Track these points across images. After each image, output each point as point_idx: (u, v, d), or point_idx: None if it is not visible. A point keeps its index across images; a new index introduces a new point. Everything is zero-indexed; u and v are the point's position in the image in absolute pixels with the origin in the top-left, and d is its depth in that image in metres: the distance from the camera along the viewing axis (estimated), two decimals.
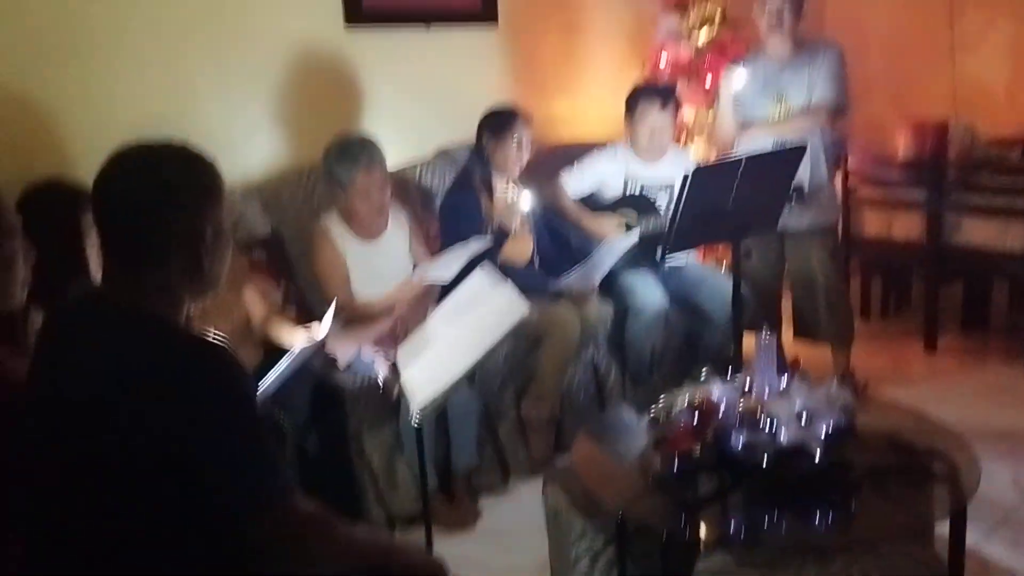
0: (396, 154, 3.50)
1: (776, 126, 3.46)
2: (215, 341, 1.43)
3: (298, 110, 3.37)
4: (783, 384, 2.41)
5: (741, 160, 2.87)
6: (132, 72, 2.96)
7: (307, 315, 3.02)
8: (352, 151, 2.93)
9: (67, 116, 2.84)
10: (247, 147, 3.28)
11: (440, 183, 3.58)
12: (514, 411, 3.15)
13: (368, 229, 3.07)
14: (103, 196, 1.44)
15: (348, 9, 3.42)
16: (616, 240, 3.29)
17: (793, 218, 3.39)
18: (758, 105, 3.51)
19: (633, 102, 3.53)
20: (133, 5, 2.93)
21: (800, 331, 3.83)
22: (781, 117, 3.48)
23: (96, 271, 2.21)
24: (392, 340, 2.86)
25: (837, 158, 3.72)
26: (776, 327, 3.71)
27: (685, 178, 2.68)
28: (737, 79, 3.43)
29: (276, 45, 3.29)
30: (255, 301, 2.83)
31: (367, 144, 2.97)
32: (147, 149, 1.47)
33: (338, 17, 3.42)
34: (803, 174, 3.36)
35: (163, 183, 1.43)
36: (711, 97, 3.96)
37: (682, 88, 3.88)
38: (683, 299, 3.53)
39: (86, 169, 2.52)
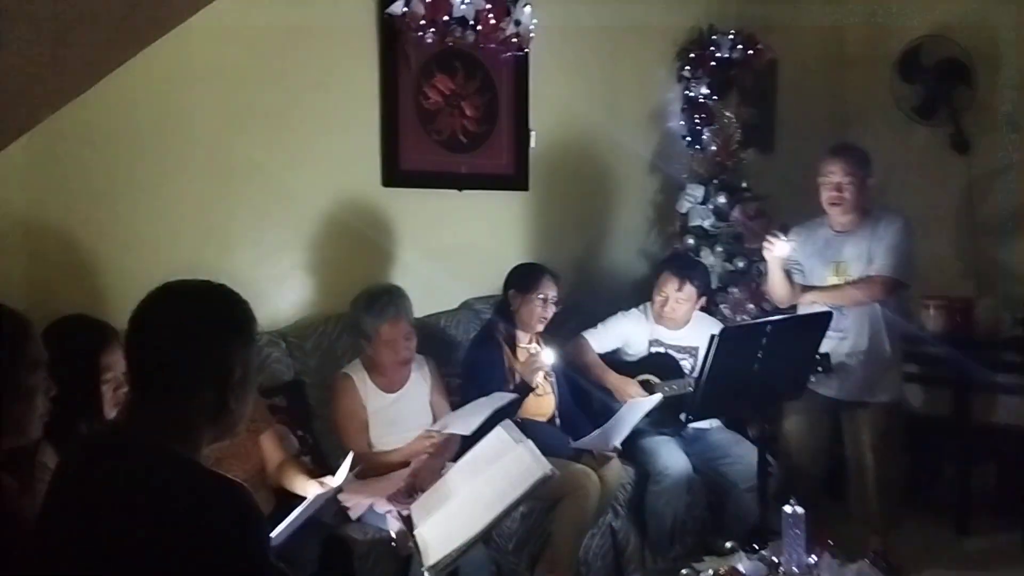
0: (422, 303, 3.54)
1: (831, 295, 3.38)
2: (232, 479, 1.41)
3: (329, 261, 3.45)
4: (812, 561, 2.31)
5: (767, 324, 2.87)
6: (171, 217, 3.06)
7: (322, 464, 2.97)
8: (380, 302, 2.97)
9: (103, 256, 2.92)
10: (277, 293, 3.34)
11: (464, 334, 3.60)
12: None
13: (391, 380, 3.07)
14: (139, 327, 1.47)
15: (386, 171, 3.57)
16: (639, 401, 3.25)
17: (847, 391, 3.34)
18: (815, 272, 3.45)
19: (658, 270, 3.61)
20: (180, 154, 3.06)
21: (843, 510, 3.65)
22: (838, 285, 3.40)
23: (109, 410, 2.20)
24: (407, 494, 2.79)
25: (900, 332, 3.52)
26: (811, 500, 3.55)
27: (712, 339, 2.68)
28: (781, 247, 3.40)
29: (315, 199, 3.41)
30: (272, 447, 2.80)
31: (395, 296, 3.02)
32: (186, 286, 1.52)
33: (376, 178, 3.56)
34: (858, 346, 3.34)
35: (199, 320, 1.47)
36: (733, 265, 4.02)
37: (705, 255, 3.95)
38: (707, 465, 3.45)
39: (115, 308, 2.60)
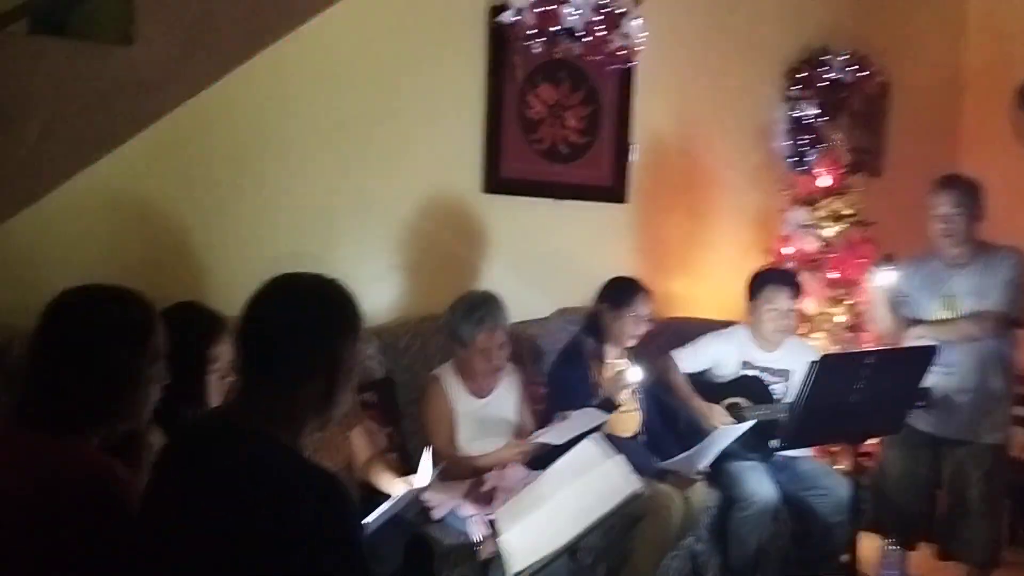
0: (514, 310, 3.53)
1: (940, 329, 3.25)
2: (331, 472, 1.44)
3: (427, 262, 3.49)
4: None
5: (870, 353, 2.78)
6: (279, 210, 3.16)
7: (408, 462, 3.01)
8: (479, 311, 2.99)
9: (213, 244, 3.03)
10: (374, 291, 3.39)
11: (553, 344, 3.58)
12: None
13: (480, 385, 3.09)
14: (253, 317, 1.51)
15: (487, 178, 3.61)
16: (729, 428, 3.17)
17: (951, 428, 3.21)
18: (923, 306, 3.33)
19: (758, 286, 3.49)
20: (292, 150, 3.16)
21: (939, 547, 3.49)
22: (949, 319, 3.28)
23: (214, 399, 2.26)
24: (489, 499, 2.80)
25: (1012, 371, 3.34)
26: (908, 539, 3.42)
27: (812, 365, 2.60)
28: (885, 278, 3.29)
29: (417, 201, 3.47)
30: (361, 442, 2.84)
31: (493, 305, 3.03)
32: (301, 279, 1.56)
33: (477, 184, 3.60)
34: (966, 383, 3.22)
35: (311, 311, 1.50)
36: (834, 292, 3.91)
37: (806, 279, 3.85)
38: (795, 495, 3.34)
39: (222, 294, 2.68)
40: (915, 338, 3.29)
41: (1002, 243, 3.35)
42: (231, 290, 2.77)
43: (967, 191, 3.28)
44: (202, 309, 2.46)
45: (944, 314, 3.28)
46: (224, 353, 2.24)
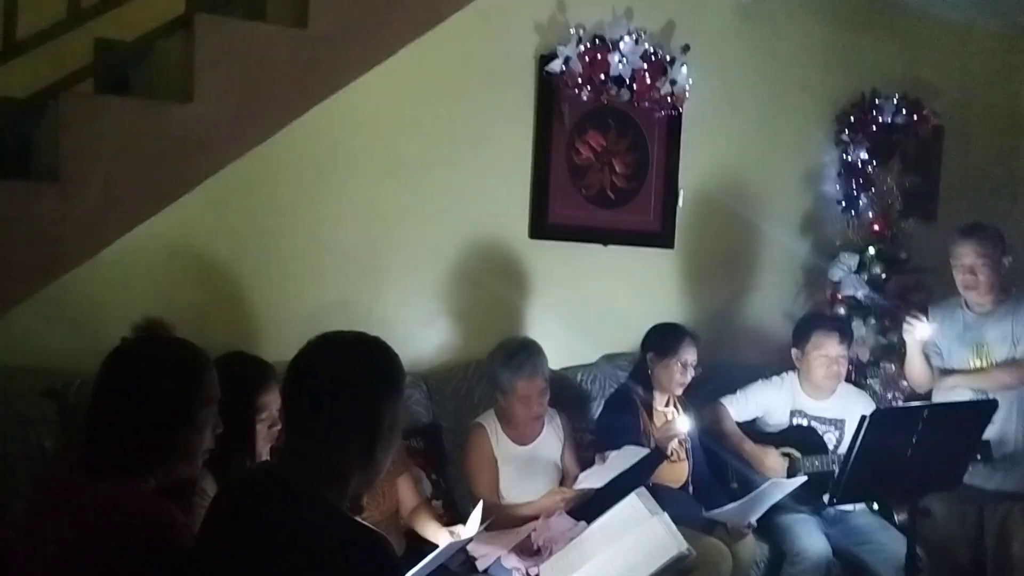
0: (560, 355, 3.56)
1: (976, 378, 3.22)
2: (375, 529, 1.46)
3: (473, 307, 3.52)
4: None
5: (925, 408, 2.73)
6: (328, 258, 3.21)
7: (453, 510, 3.01)
8: (517, 358, 2.99)
9: (264, 292, 3.09)
10: (421, 336, 3.43)
11: (599, 390, 3.58)
12: None
13: (523, 432, 3.08)
14: (298, 375, 1.54)
15: (534, 224, 3.63)
16: (783, 482, 3.10)
17: (995, 480, 3.13)
18: (955, 354, 3.30)
19: (806, 332, 3.44)
20: (340, 199, 3.22)
21: None
22: (982, 368, 3.25)
23: (263, 446, 2.30)
24: (534, 552, 2.78)
25: None
26: None
27: (863, 420, 2.55)
28: (921, 329, 3.26)
29: (464, 247, 3.50)
30: (408, 490, 2.85)
31: (532, 351, 3.03)
32: (345, 338, 1.59)
33: (524, 229, 3.62)
34: (1007, 432, 3.14)
35: (354, 372, 1.53)
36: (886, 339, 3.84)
37: (856, 327, 3.79)
38: (848, 551, 3.27)
39: (273, 342, 2.74)
40: (949, 388, 3.26)
41: None
42: (282, 337, 2.85)
43: (990, 239, 3.26)
44: (251, 358, 2.51)
45: (976, 363, 3.25)
46: (272, 402, 2.29)
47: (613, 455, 2.95)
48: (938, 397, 3.31)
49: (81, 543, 1.58)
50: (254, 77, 2.56)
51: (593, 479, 2.90)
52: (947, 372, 3.32)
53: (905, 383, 3.72)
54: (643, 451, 2.96)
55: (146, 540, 1.58)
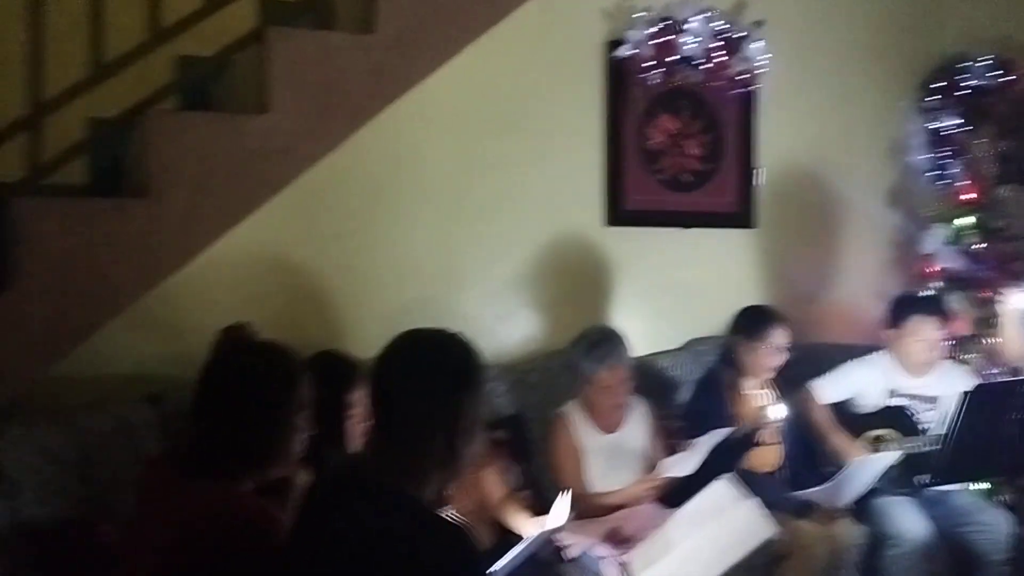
0: (643, 342, 3.53)
1: None
2: (458, 524, 1.48)
3: (553, 298, 3.52)
4: None
5: None
6: (408, 256, 3.27)
7: (541, 499, 3.03)
8: (599, 347, 2.99)
9: (347, 292, 3.16)
10: (502, 329, 3.45)
11: (686, 375, 3.54)
12: None
13: (608, 420, 3.08)
14: (378, 375, 1.58)
15: (610, 211, 3.61)
16: (870, 458, 3.02)
17: None
18: None
19: (902, 315, 3.33)
20: (417, 198, 3.27)
21: None
22: None
23: (353, 441, 2.37)
24: (623, 539, 2.78)
25: None
26: None
27: (963, 396, 2.47)
28: (1018, 300, 3.14)
29: (540, 239, 3.50)
30: (494, 482, 2.88)
31: (613, 340, 3.02)
32: (425, 335, 1.62)
33: (598, 218, 3.61)
34: None
35: (431, 369, 1.56)
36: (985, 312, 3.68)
37: (953, 301, 3.65)
38: (950, 532, 3.15)
39: (357, 340, 2.81)
40: None
41: None
42: (366, 336, 2.93)
43: None
44: (340, 357, 2.58)
45: None
46: (361, 399, 2.35)
47: (699, 440, 2.92)
48: None
49: (182, 543, 1.65)
50: (326, 85, 2.63)
51: (679, 466, 2.88)
52: None
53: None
54: (726, 431, 2.91)
55: (244, 538, 1.65)
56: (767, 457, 3.22)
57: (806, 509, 3.02)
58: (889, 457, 3.01)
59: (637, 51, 3.47)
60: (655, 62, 3.50)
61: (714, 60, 3.59)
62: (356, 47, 2.71)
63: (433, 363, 1.57)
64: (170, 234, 2.66)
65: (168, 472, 1.82)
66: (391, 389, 1.56)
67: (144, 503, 1.86)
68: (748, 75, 3.67)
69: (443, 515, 1.54)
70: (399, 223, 3.24)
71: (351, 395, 2.39)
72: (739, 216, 3.85)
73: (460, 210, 3.35)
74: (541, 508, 2.84)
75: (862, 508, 3.11)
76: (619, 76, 3.55)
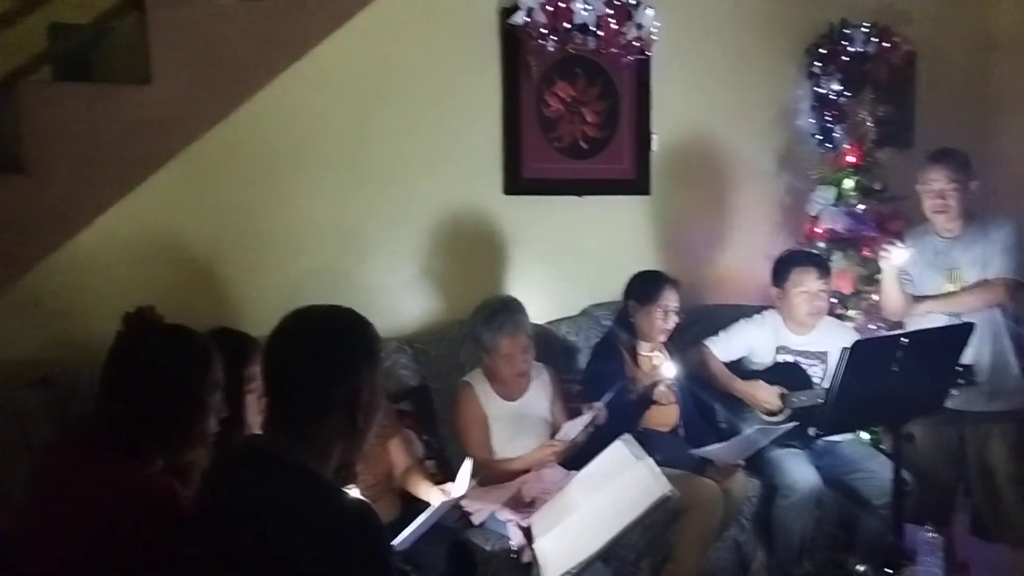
0: (542, 310, 3.59)
1: (948, 302, 3.27)
2: (360, 500, 1.49)
3: (455, 268, 3.53)
4: None
5: (904, 336, 2.76)
6: (307, 227, 3.22)
7: (447, 469, 3.05)
8: (498, 317, 3.01)
9: (244, 266, 3.10)
10: (405, 299, 3.45)
11: (585, 341, 3.61)
12: None
13: (511, 388, 3.12)
14: (274, 355, 1.56)
15: (508, 180, 3.62)
16: (769, 428, 3.14)
17: (972, 402, 3.18)
18: (928, 280, 3.35)
19: (785, 270, 3.46)
20: (314, 168, 3.21)
21: (976, 528, 3.47)
22: (954, 292, 3.29)
23: (254, 417, 2.34)
24: (527, 504, 2.83)
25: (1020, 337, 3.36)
26: (947, 522, 3.40)
27: (844, 352, 2.59)
28: (898, 256, 3.30)
29: (441, 208, 3.50)
30: (399, 452, 2.89)
31: (513, 310, 3.05)
32: (317, 312, 1.60)
33: (498, 187, 3.61)
34: (982, 354, 3.19)
35: (329, 345, 1.54)
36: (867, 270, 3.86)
37: (837, 259, 3.81)
38: (838, 480, 3.33)
39: (255, 316, 2.75)
40: (923, 314, 3.30)
41: (994, 212, 3.38)
42: (263, 311, 2.81)
43: (959, 164, 3.29)
44: (232, 332, 2.54)
45: (949, 287, 3.30)
46: (258, 373, 2.31)
47: (596, 405, 2.98)
48: (912, 324, 3.35)
49: (88, 523, 1.62)
50: (211, 53, 2.53)
51: (571, 429, 2.94)
52: (920, 298, 3.36)
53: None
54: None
55: (151, 517, 1.63)
56: (665, 416, 3.32)
57: (703, 465, 3.13)
58: (787, 426, 3.12)
59: (531, 17, 3.47)
60: (550, 29, 3.51)
61: (608, 27, 3.62)
62: (242, 13, 2.62)
63: (328, 339, 1.56)
64: (50, 211, 2.54)
65: (74, 454, 1.79)
66: (287, 367, 1.55)
67: (47, 486, 1.81)
68: (641, 42, 3.73)
69: (344, 492, 1.53)
70: (295, 194, 3.18)
71: (248, 369, 2.35)
72: (635, 183, 3.92)
73: (358, 180, 3.31)
74: (446, 477, 2.87)
75: (756, 462, 3.24)
76: (514, 43, 3.54)
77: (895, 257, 3.31)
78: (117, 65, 2.74)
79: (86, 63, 2.86)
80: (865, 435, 3.60)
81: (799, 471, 3.22)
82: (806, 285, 3.40)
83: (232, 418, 2.29)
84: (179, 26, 2.49)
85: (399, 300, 3.44)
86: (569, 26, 3.56)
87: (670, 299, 3.29)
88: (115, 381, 1.81)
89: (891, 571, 2.47)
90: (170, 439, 1.78)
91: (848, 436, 3.48)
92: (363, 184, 3.32)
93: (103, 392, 1.83)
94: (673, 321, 3.30)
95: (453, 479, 2.72)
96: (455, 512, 2.87)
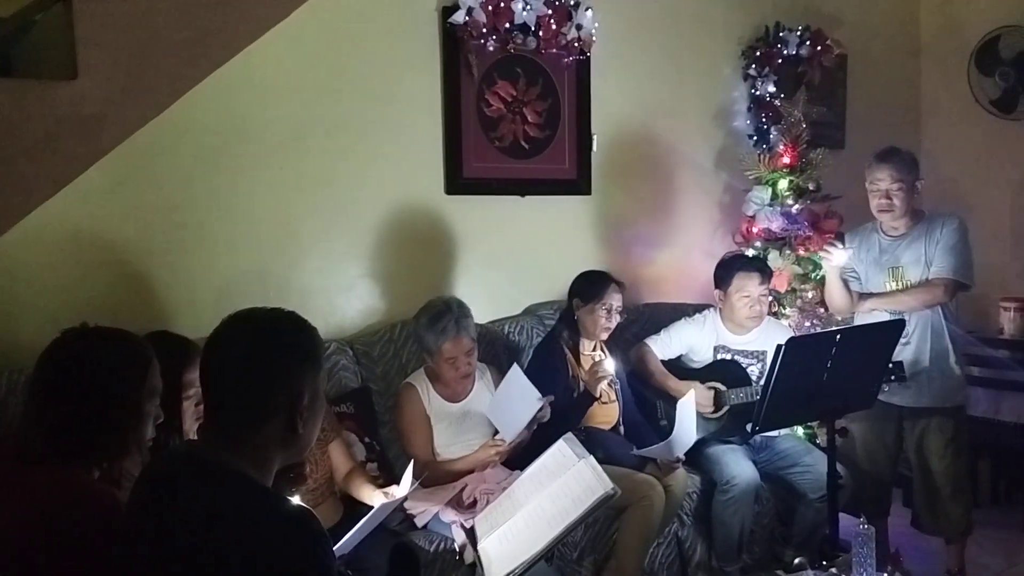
0: (486, 309, 3.58)
1: (891, 300, 3.34)
2: (299, 507, 1.46)
3: (395, 268, 3.50)
4: None
5: (837, 333, 2.82)
6: (244, 229, 3.15)
7: (389, 471, 3.03)
8: (442, 321, 2.98)
9: (179, 268, 3.02)
10: (344, 301, 3.41)
11: (527, 340, 3.61)
12: None
13: (454, 390, 3.10)
14: (212, 359, 1.52)
15: (449, 179, 3.60)
16: (686, 400, 3.19)
17: (910, 397, 3.26)
18: (872, 278, 3.42)
19: (728, 274, 3.50)
20: (251, 168, 3.15)
21: (912, 519, 3.58)
22: (898, 290, 3.37)
23: (191, 424, 2.29)
24: (470, 504, 2.82)
25: (959, 335, 3.45)
26: (882, 513, 3.49)
27: (779, 349, 2.63)
28: (839, 256, 3.36)
29: (380, 208, 3.46)
30: (340, 456, 2.86)
31: (456, 313, 3.02)
32: (256, 316, 1.56)
33: (439, 186, 3.59)
34: (922, 351, 3.27)
35: (268, 349, 1.51)
36: (803, 268, 3.94)
37: (773, 258, 3.88)
38: (775, 475, 3.40)
39: (190, 322, 2.69)
40: (867, 312, 3.37)
41: (939, 211, 3.45)
42: (197, 314, 2.82)
43: (905, 164, 3.36)
44: (171, 336, 2.48)
45: (892, 285, 3.37)
46: (197, 379, 2.26)
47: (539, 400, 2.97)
48: (858, 320, 3.42)
49: (26, 535, 1.58)
50: (141, 48, 2.45)
51: (503, 425, 2.94)
52: (865, 296, 3.43)
53: (822, 310, 3.84)
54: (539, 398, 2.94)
55: (87, 525, 1.59)
56: (606, 415, 3.34)
57: (644, 462, 3.16)
58: (722, 413, 3.16)
59: (471, 17, 3.46)
60: (490, 28, 3.51)
61: (547, 27, 3.63)
62: (174, 7, 2.54)
63: (269, 343, 1.52)
64: None
65: (6, 463, 1.73)
66: (226, 371, 1.51)
67: None
68: (581, 43, 3.75)
69: (284, 499, 1.50)
70: (231, 194, 3.12)
71: (187, 376, 2.30)
72: (576, 183, 3.94)
73: (297, 179, 3.26)
74: (390, 479, 2.85)
75: (695, 457, 3.29)
76: (455, 42, 3.53)
77: (836, 258, 3.37)
78: (41, 60, 2.63)
79: (7, 58, 2.74)
80: (801, 431, 3.67)
81: (737, 466, 3.27)
82: (748, 290, 3.45)
83: (169, 425, 2.26)
84: (107, 19, 2.40)
85: (340, 300, 3.39)
86: (509, 26, 3.56)
87: (614, 298, 3.31)
88: (48, 387, 1.75)
89: (826, 562, 2.52)
90: (107, 446, 1.73)
91: (784, 432, 3.55)
92: (301, 184, 3.27)
93: (34, 399, 1.77)
94: (616, 320, 3.33)
95: (396, 481, 2.70)
96: (398, 514, 2.85)
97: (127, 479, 2.02)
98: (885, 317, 3.29)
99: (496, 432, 3.04)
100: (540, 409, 2.89)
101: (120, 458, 1.77)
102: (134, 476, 2.01)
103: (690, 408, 3.11)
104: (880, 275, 3.40)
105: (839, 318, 3.65)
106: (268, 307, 1.59)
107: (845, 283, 3.46)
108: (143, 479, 1.59)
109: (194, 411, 2.29)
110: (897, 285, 3.36)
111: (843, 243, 3.41)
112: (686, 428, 3.12)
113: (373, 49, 3.39)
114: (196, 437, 2.23)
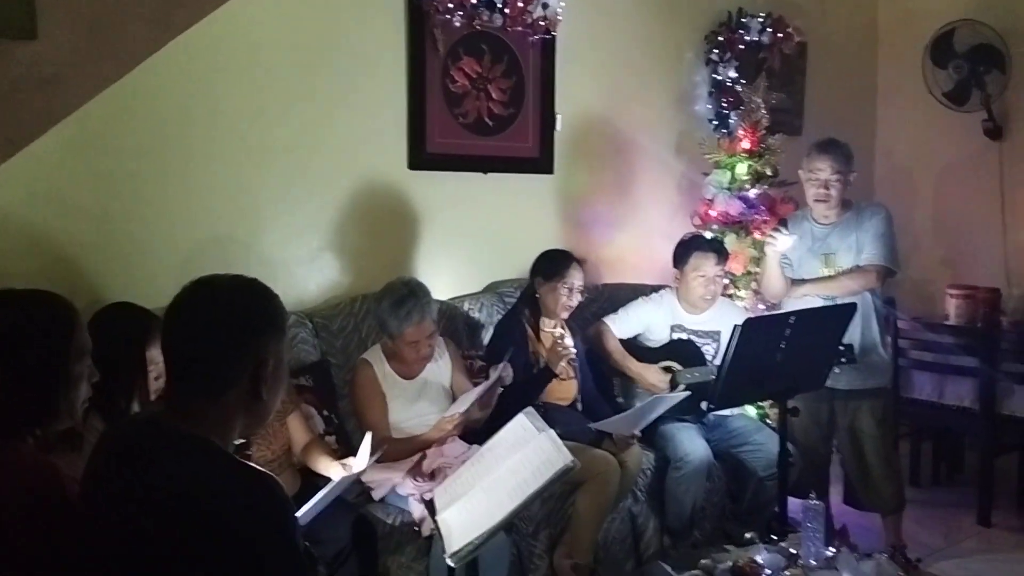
0: (447, 285, 3.60)
1: (824, 286, 3.45)
2: (263, 472, 1.46)
3: (356, 242, 3.49)
4: (830, 554, 2.34)
5: (791, 315, 2.89)
6: (204, 198, 3.11)
7: (347, 444, 3.03)
8: (404, 306, 2.95)
9: (138, 237, 2.98)
10: (304, 274, 3.39)
11: (488, 317, 3.63)
12: (547, 559, 3.07)
13: (410, 368, 3.10)
14: (173, 326, 1.51)
15: (413, 154, 3.59)
16: (664, 397, 3.23)
17: (842, 379, 3.36)
18: (806, 265, 3.52)
19: (686, 253, 3.56)
20: (212, 137, 3.11)
21: (848, 496, 3.71)
22: (830, 276, 3.47)
23: (154, 395, 2.27)
24: (428, 477, 2.84)
25: (886, 320, 3.65)
26: (824, 491, 3.60)
27: (735, 329, 2.69)
28: (783, 242, 3.44)
29: (343, 182, 3.44)
30: (299, 428, 2.86)
31: (419, 297, 2.99)
32: (219, 281, 1.54)
33: (403, 161, 3.58)
34: (853, 335, 3.36)
35: (232, 314, 1.49)
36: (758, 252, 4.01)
37: (730, 241, 3.94)
38: (727, 453, 3.48)
39: (148, 291, 2.66)
40: (800, 297, 3.47)
41: (870, 201, 3.64)
42: (157, 283, 2.78)
43: (843, 156, 3.46)
44: (134, 309, 2.46)
45: (825, 272, 3.49)
46: (159, 356, 2.24)
47: (498, 366, 3.00)
48: (789, 305, 3.51)
49: None
50: (103, 10, 2.40)
51: (459, 404, 2.96)
52: (799, 282, 3.53)
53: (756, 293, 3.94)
54: (501, 369, 2.98)
55: (30, 498, 1.54)
56: (565, 391, 3.38)
57: (601, 438, 3.21)
58: (681, 395, 3.22)
59: None
60: (456, 4, 3.50)
61: (514, 4, 3.63)
62: None
63: (232, 309, 1.51)
64: None
65: None
66: (188, 337, 1.49)
67: None
68: (547, 22, 3.75)
69: (249, 465, 1.50)
70: (193, 163, 3.08)
71: (150, 351, 2.29)
72: (538, 162, 3.96)
73: (258, 150, 3.22)
74: (347, 452, 2.85)
75: (650, 434, 3.35)
76: (421, 16, 3.51)
77: (780, 244, 3.45)
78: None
79: None
80: (752, 410, 3.76)
81: (691, 444, 3.34)
82: (704, 270, 3.51)
83: (132, 396, 2.24)
84: None
85: (299, 273, 3.38)
86: (476, 1, 3.56)
87: (575, 277, 3.34)
88: None
89: (776, 537, 2.60)
90: (36, 414, 1.67)
91: (736, 411, 3.63)
92: (262, 154, 3.23)
93: None
94: (577, 299, 3.37)
95: (354, 454, 2.71)
96: (356, 487, 2.86)
97: (91, 433, 2.00)
98: (818, 302, 3.39)
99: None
100: (502, 369, 2.91)
101: (51, 424, 1.71)
102: (96, 429, 2.01)
103: (666, 405, 3.16)
104: (813, 261, 3.50)
105: (772, 302, 3.75)
106: (231, 274, 1.58)
107: (781, 268, 3.55)
108: (101, 447, 1.58)
109: (156, 385, 2.28)
110: (829, 272, 3.47)
111: (787, 229, 3.49)
112: (649, 414, 3.17)
113: (338, 20, 3.36)
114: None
